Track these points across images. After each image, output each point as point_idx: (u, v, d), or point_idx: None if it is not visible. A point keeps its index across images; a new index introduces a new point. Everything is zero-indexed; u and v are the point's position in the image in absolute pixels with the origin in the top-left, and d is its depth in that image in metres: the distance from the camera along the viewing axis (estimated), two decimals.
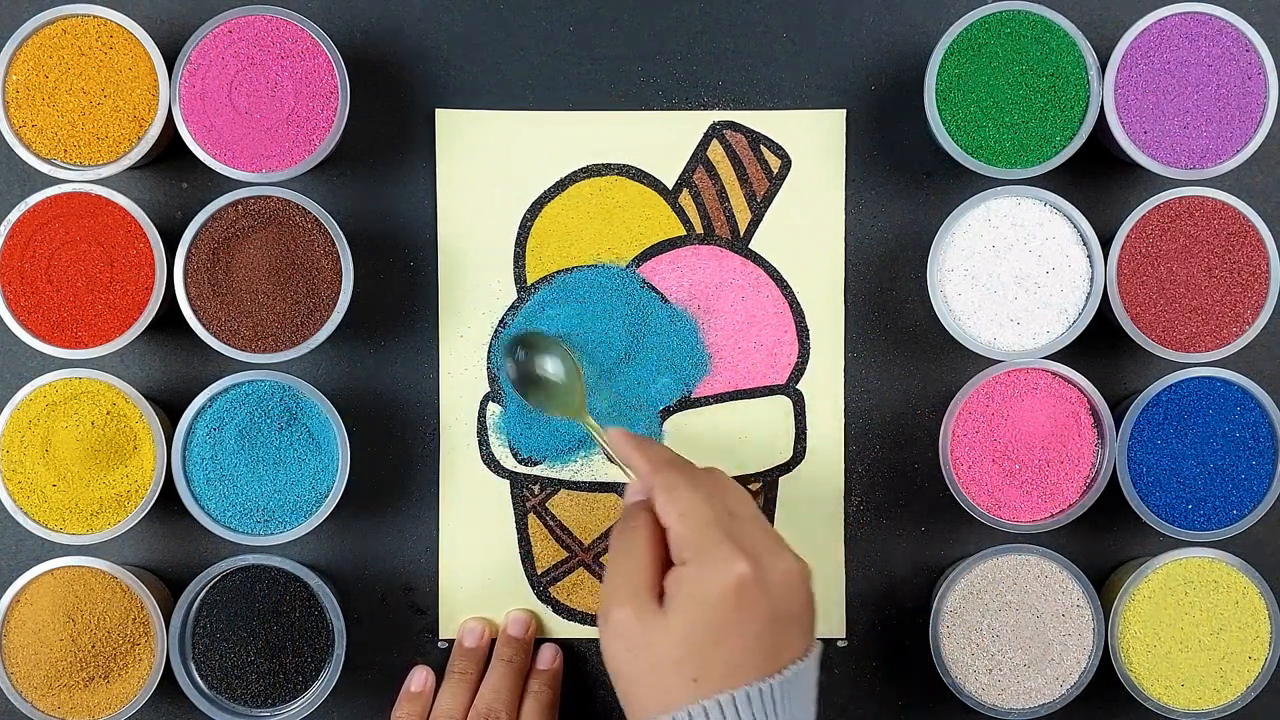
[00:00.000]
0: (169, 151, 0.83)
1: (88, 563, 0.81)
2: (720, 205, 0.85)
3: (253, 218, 0.80)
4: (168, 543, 0.85)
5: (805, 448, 0.85)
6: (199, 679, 0.81)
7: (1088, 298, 0.81)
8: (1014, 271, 0.81)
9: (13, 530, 0.84)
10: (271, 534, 0.81)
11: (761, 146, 0.85)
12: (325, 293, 0.80)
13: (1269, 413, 0.81)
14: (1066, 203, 0.81)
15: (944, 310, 0.81)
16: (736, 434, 0.84)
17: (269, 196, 0.80)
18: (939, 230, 0.81)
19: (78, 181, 0.80)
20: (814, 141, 0.85)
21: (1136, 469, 0.81)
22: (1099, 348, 0.83)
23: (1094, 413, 0.81)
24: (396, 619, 0.85)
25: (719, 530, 0.67)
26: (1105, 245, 0.81)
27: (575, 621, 0.85)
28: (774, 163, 0.85)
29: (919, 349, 0.85)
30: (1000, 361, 0.81)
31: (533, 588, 0.85)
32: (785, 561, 0.67)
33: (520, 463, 0.84)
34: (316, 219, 0.80)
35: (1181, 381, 0.81)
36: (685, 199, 0.85)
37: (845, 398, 0.85)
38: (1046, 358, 0.81)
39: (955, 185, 0.84)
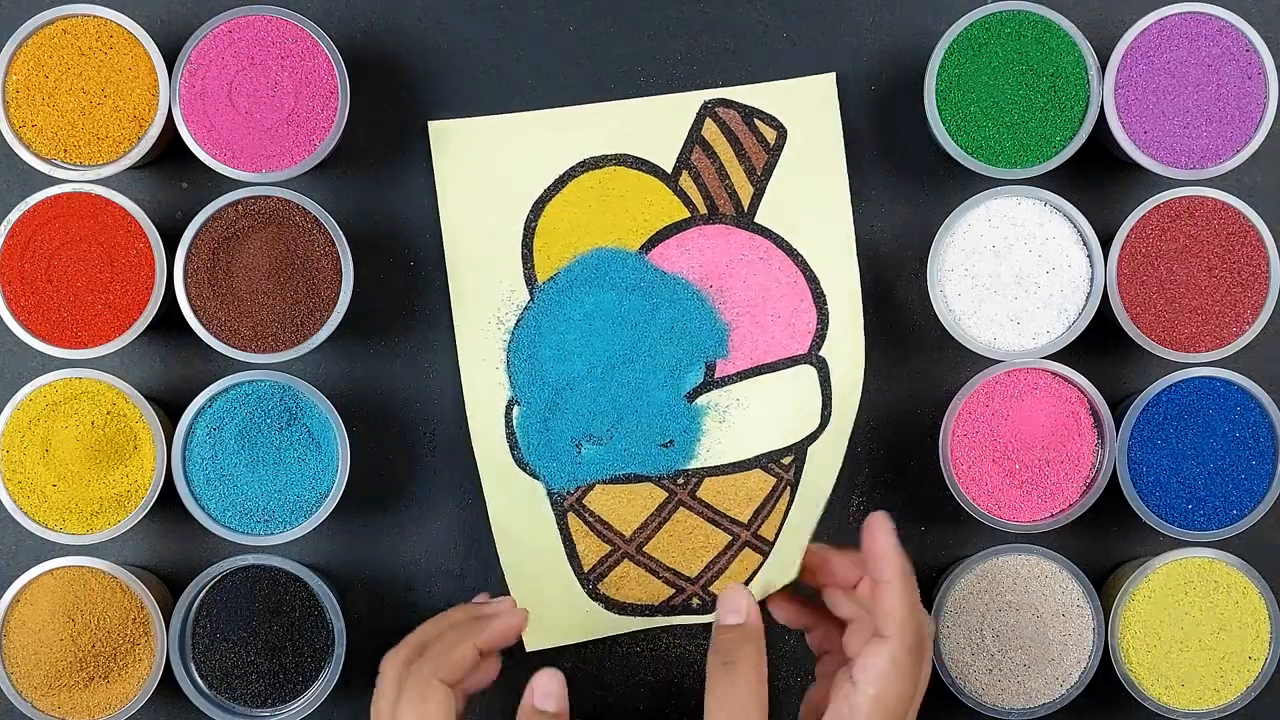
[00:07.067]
0: (169, 151, 0.83)
1: (88, 563, 0.81)
2: (721, 183, 0.84)
3: (253, 218, 0.80)
4: (168, 543, 0.85)
5: (831, 413, 0.84)
6: (199, 679, 0.81)
7: (1088, 298, 0.81)
8: (1014, 271, 0.81)
9: (13, 530, 0.84)
10: (271, 534, 0.81)
11: (755, 119, 0.84)
12: (325, 293, 0.80)
13: (1269, 413, 0.81)
14: (1066, 203, 0.81)
15: (944, 310, 0.81)
16: (765, 409, 0.84)
17: (269, 196, 0.80)
18: (939, 230, 0.81)
19: (78, 181, 0.80)
20: (807, 108, 0.84)
21: (1136, 469, 0.81)
22: (1099, 348, 0.83)
23: (1094, 413, 0.81)
24: (396, 619, 0.85)
25: None
26: (1105, 245, 0.81)
27: (627, 615, 0.84)
28: (769, 134, 0.84)
29: (919, 349, 0.85)
30: (1000, 361, 0.81)
31: (583, 586, 0.84)
32: None
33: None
34: (316, 219, 0.80)
35: (1181, 381, 0.81)
36: (686, 181, 0.84)
37: (866, 358, 0.84)
38: (1046, 358, 0.81)
39: (955, 185, 0.84)
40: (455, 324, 0.84)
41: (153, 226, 0.80)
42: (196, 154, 0.80)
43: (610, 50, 0.85)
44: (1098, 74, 0.80)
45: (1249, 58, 0.80)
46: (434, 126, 0.84)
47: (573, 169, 0.84)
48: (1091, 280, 0.81)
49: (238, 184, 0.81)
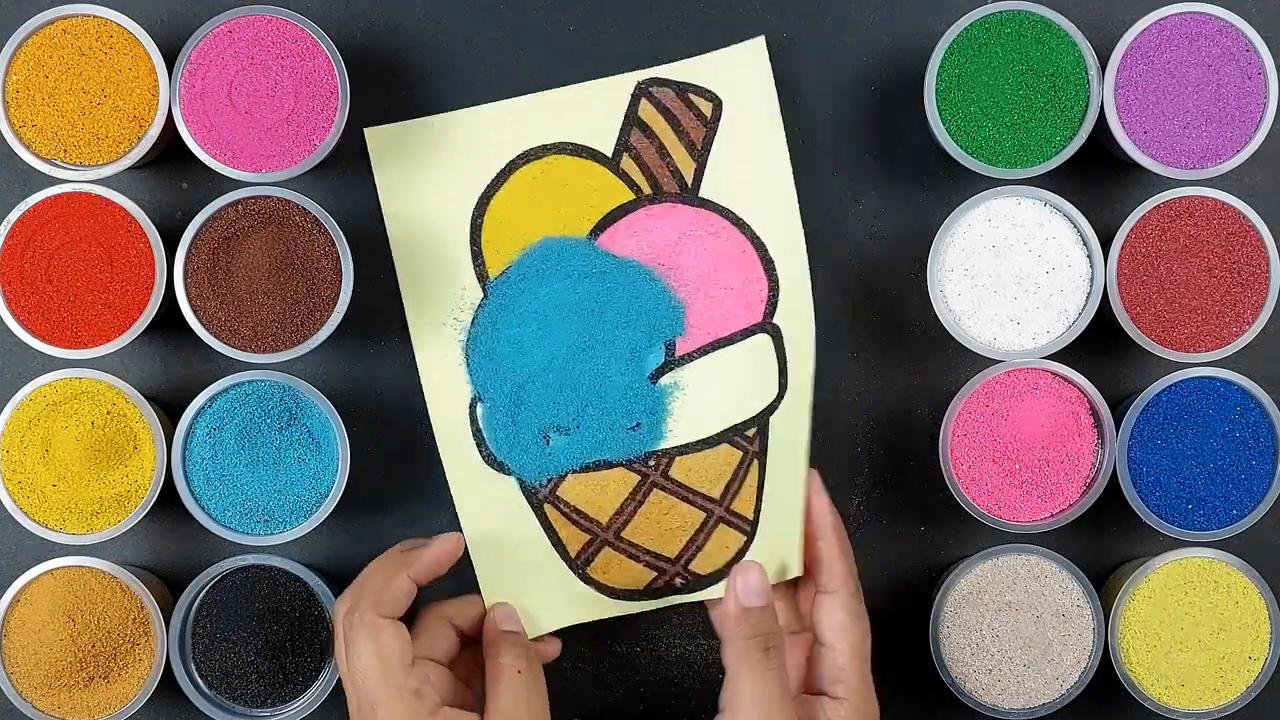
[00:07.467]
0: (169, 151, 0.83)
1: (88, 563, 0.81)
2: (663, 161, 0.84)
3: (253, 218, 0.80)
4: (168, 543, 0.85)
5: (787, 383, 0.84)
6: (199, 679, 0.81)
7: (1088, 298, 0.81)
8: (1014, 271, 0.81)
9: (13, 530, 0.84)
10: (271, 534, 0.81)
11: (690, 94, 0.84)
12: (325, 293, 0.80)
13: (1269, 413, 0.81)
14: (1066, 203, 0.81)
15: (944, 310, 0.81)
16: (726, 382, 0.83)
17: (269, 196, 0.80)
18: (939, 230, 0.81)
19: (78, 181, 0.80)
20: (739, 76, 0.84)
21: (1136, 469, 0.81)
22: (1099, 348, 0.83)
23: (1094, 413, 0.81)
24: None
25: (868, 678, 0.75)
26: (1105, 245, 0.81)
27: (620, 599, 0.84)
28: (705, 107, 0.84)
29: (919, 349, 0.85)
30: (1000, 361, 0.81)
31: (574, 571, 0.84)
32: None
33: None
34: (316, 219, 0.80)
35: (1181, 381, 0.81)
36: (627, 163, 0.84)
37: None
38: (1046, 358, 0.81)
39: (955, 185, 0.84)
40: (410, 328, 0.84)
41: (153, 226, 0.80)
42: (196, 154, 0.80)
43: (610, 50, 0.85)
44: (1098, 74, 0.80)
45: (1249, 58, 0.80)
46: (370, 134, 0.84)
47: (513, 162, 0.84)
48: (1091, 280, 0.81)
49: (238, 184, 0.81)
